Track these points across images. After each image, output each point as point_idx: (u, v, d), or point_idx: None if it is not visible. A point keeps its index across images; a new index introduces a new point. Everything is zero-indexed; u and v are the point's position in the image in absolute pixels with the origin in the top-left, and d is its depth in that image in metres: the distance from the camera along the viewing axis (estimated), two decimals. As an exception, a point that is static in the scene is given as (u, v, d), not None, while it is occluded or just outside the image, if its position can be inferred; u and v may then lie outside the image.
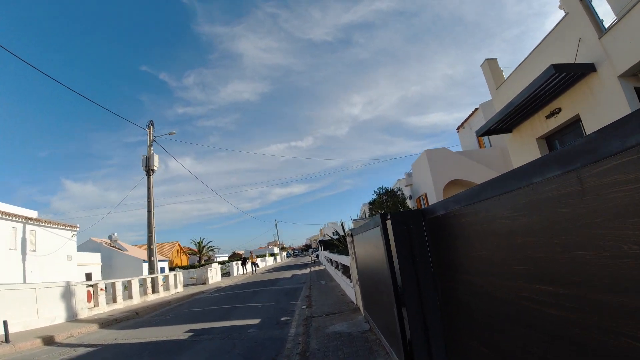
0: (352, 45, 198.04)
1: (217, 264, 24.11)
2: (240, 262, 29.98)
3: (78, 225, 24.88)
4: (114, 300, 12.62)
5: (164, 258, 46.12)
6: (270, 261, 48.89)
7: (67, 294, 10.81)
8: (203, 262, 51.53)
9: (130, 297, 13.50)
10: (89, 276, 33.52)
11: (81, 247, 38.53)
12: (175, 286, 16.69)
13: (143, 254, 43.28)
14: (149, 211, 17.02)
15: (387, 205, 17.50)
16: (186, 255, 60.34)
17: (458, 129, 23.86)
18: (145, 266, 39.76)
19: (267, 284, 17.04)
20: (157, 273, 16.22)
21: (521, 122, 9.68)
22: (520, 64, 9.63)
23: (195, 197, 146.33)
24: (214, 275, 21.96)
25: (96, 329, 9.62)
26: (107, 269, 37.55)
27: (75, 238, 24.70)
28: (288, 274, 22.72)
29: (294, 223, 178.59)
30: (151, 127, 18.23)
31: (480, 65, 11.64)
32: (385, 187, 20.00)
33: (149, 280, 14.77)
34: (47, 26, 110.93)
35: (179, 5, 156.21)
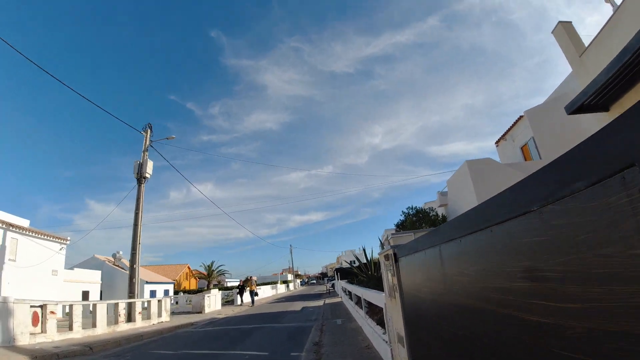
0: (372, 76, 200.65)
1: (217, 290, 21.13)
2: (237, 290, 25.01)
3: (68, 238, 22.77)
4: (70, 328, 9.85)
5: (170, 280, 43.46)
6: (282, 289, 45.21)
7: (3, 313, 8.20)
8: (212, 286, 48.56)
9: (94, 325, 10.70)
10: (85, 295, 31.09)
11: (83, 264, 36.57)
12: (159, 315, 13.81)
13: (147, 275, 40.78)
14: (136, 224, 14.56)
15: (420, 227, 14.29)
16: (195, 279, 57.59)
17: (497, 142, 20.65)
18: (148, 288, 37.23)
19: (270, 318, 13.87)
20: (137, 297, 13.46)
21: (626, 91, 6.60)
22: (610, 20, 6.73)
23: (214, 221, 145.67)
24: (213, 303, 18.92)
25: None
26: (108, 289, 35.16)
27: (64, 252, 22.49)
28: (298, 305, 19.38)
29: (310, 249, 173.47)
30: (148, 130, 16.20)
31: (552, 32, 8.81)
32: (415, 207, 16.85)
33: (122, 306, 11.97)
34: (81, 49, 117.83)
35: (208, 39, 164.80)
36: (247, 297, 22.73)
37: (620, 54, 5.75)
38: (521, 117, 18.16)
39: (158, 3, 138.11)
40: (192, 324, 13.74)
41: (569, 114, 7.60)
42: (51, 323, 9.28)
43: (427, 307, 2.65)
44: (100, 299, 34.09)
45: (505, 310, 1.36)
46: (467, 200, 14.86)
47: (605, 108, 7.36)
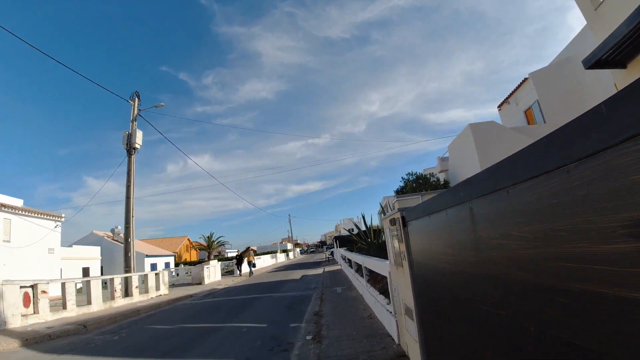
0: (369, 42, 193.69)
1: (216, 261, 21.13)
2: (235, 261, 24.86)
3: (63, 215, 22.33)
4: (64, 307, 9.62)
5: (170, 253, 43.83)
6: (282, 258, 45.89)
7: (-8, 296, 7.90)
8: (212, 257, 49.15)
9: (89, 302, 10.48)
10: (86, 271, 31.24)
11: (82, 241, 36.53)
12: (157, 288, 13.68)
13: (148, 248, 40.98)
14: (128, 197, 14.05)
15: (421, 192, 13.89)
16: (196, 251, 58.22)
17: (500, 105, 19.90)
18: (148, 262, 37.50)
19: (270, 287, 13.80)
20: (133, 271, 13.25)
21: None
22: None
23: (212, 193, 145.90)
24: (212, 274, 18.92)
25: (15, 347, 6.67)
26: (109, 264, 35.35)
27: (59, 229, 22.15)
28: (298, 274, 19.45)
29: (309, 218, 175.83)
30: (136, 99, 15.22)
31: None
32: (415, 173, 16.38)
33: (117, 282, 11.75)
34: (72, 25, 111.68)
35: (198, 6, 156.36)
36: (245, 267, 22.77)
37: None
38: (526, 79, 17.36)
39: None
40: (190, 295, 13.66)
41: (587, 68, 6.92)
42: (43, 303, 9.01)
43: (446, 279, 2.18)
44: (101, 274, 34.36)
45: (588, 286, 0.86)
46: (469, 165, 14.40)
47: (622, 65, 6.69)
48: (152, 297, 13.10)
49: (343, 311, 6.97)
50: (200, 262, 41.28)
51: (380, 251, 8.14)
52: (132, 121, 14.80)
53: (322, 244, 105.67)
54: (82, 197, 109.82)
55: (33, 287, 9.02)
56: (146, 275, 13.36)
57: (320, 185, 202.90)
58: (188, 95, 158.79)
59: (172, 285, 19.28)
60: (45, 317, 8.96)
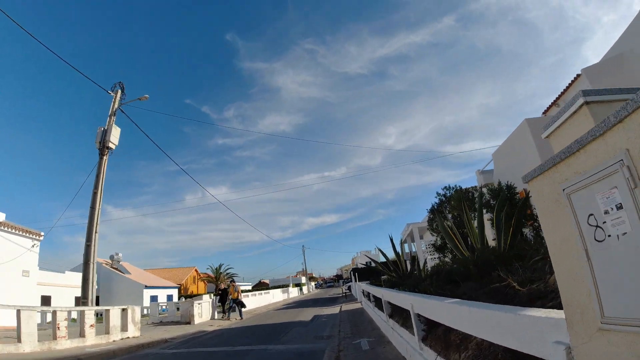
0: (387, 77, 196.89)
1: (208, 296, 17.63)
2: (216, 295, 18.35)
3: (42, 233, 19.82)
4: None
5: (173, 285, 40.55)
6: (294, 292, 41.75)
7: None
8: (219, 291, 45.53)
9: (19, 339, 7.50)
10: (79, 300, 28.44)
11: (78, 268, 34.00)
12: (124, 328, 10.49)
13: (149, 278, 37.89)
14: (93, 207, 11.36)
15: (469, 208, 10.59)
16: (204, 283, 54.58)
17: (546, 111, 16.74)
18: (148, 294, 34.30)
19: (269, 334, 10.43)
20: (91, 304, 10.25)
21: None
22: None
23: (228, 225, 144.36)
24: (205, 311, 15.57)
25: None
26: (106, 293, 32.36)
27: (37, 249, 19.56)
28: (309, 313, 15.86)
29: (325, 250, 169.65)
30: (119, 91, 12.99)
31: None
32: (452, 186, 13.09)
33: (62, 317, 8.74)
34: (98, 55, 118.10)
35: (223, 42, 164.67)
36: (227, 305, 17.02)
37: None
38: (577, 77, 14.39)
39: (173, 7, 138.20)
40: (166, 340, 10.40)
41: None
42: None
43: None
44: (97, 304, 31.41)
45: None
46: (524, 165, 11.06)
47: None
48: (113, 341, 9.92)
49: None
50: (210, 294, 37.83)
51: (416, 284, 4.93)
52: (110, 115, 12.42)
53: (338, 277, 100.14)
54: (99, 225, 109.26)
55: None
56: (107, 310, 10.25)
57: (336, 218, 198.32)
58: (209, 128, 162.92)
59: (158, 323, 16.04)
60: None
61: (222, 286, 17.46)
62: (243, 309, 16.51)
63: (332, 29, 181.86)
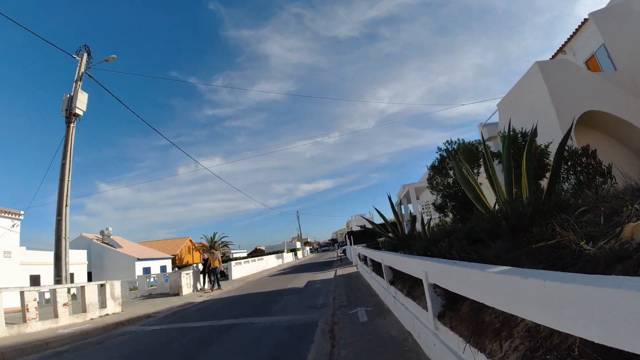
0: (378, 39, 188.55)
1: (195, 266, 16.88)
2: (198, 268, 16.54)
3: (22, 212, 18.67)
4: None
5: (167, 255, 40.18)
6: (289, 258, 41.87)
7: None
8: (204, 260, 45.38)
9: None
10: (70, 277, 27.87)
11: (70, 244, 33.10)
12: (102, 305, 9.72)
13: (141, 251, 37.29)
14: (62, 179, 10.16)
15: (475, 161, 9.63)
16: (199, 252, 54.60)
17: (553, 57, 15.45)
18: (140, 266, 33.81)
19: (259, 304, 9.77)
20: (66, 282, 9.39)
21: None
22: None
23: (223, 195, 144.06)
24: (193, 282, 14.92)
25: None
26: (98, 269, 31.84)
27: (18, 229, 18.51)
28: (303, 279, 15.35)
29: (319, 215, 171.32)
30: (84, 54, 11.34)
31: None
32: (457, 140, 12.02)
33: (30, 297, 7.86)
34: (82, 33, 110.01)
35: (206, 11, 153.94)
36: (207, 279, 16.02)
37: None
38: (585, 21, 13.10)
39: None
40: (149, 315, 9.67)
41: None
42: None
43: None
44: (89, 280, 30.86)
45: None
46: (536, 114, 10.04)
47: None
48: (91, 319, 9.15)
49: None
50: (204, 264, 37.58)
51: (426, 247, 4.01)
52: (76, 81, 10.94)
53: (333, 241, 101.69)
54: (95, 203, 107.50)
55: None
56: (82, 287, 9.38)
57: (331, 184, 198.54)
58: (198, 99, 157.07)
59: (147, 296, 15.43)
60: None
61: (206, 255, 16.50)
62: (223, 280, 15.74)
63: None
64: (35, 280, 21.63)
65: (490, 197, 4.60)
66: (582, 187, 5.29)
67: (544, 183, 7.23)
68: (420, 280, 3.48)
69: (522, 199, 3.78)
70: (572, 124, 5.05)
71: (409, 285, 4.72)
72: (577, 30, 13.60)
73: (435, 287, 3.07)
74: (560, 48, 15.02)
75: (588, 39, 12.99)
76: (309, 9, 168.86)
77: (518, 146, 7.36)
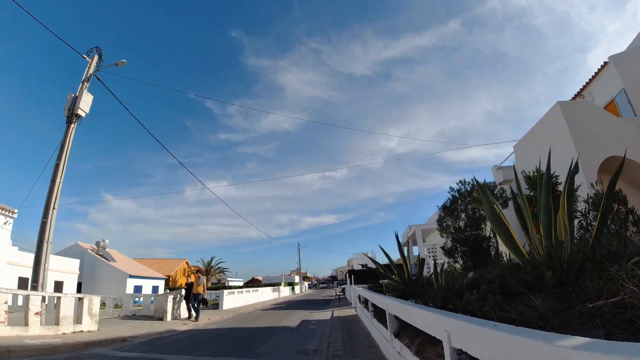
0: (391, 79, 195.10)
1: (181, 290, 15.70)
2: (181, 293, 14.39)
3: (16, 210, 18.29)
4: None
5: (161, 276, 38.93)
6: (285, 292, 40.10)
7: None
8: (209, 284, 43.88)
9: None
10: (59, 286, 26.71)
11: (64, 252, 32.30)
12: (77, 320, 8.89)
13: (135, 267, 36.20)
14: (53, 180, 9.74)
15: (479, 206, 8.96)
16: (194, 276, 52.82)
17: (573, 99, 15.24)
18: (132, 283, 32.65)
19: (244, 341, 8.84)
20: (42, 289, 8.68)
21: None
22: None
23: (227, 220, 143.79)
24: (180, 307, 13.96)
25: None
26: (89, 279, 30.79)
27: (10, 227, 18.03)
28: (298, 317, 14.24)
29: (320, 250, 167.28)
30: (95, 56, 11.45)
31: None
32: (470, 181, 11.44)
33: (0, 299, 7.19)
34: (107, 48, 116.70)
35: (228, 38, 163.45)
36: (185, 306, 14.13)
37: None
38: (604, 65, 12.93)
39: (180, 3, 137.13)
40: (124, 339, 8.79)
41: None
42: None
43: None
44: (79, 291, 29.73)
45: None
46: (556, 154, 9.52)
47: None
48: (63, 334, 8.32)
49: None
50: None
51: (445, 298, 3.32)
52: (83, 81, 10.88)
53: (332, 278, 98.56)
54: (99, 213, 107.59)
55: None
56: (59, 298, 8.63)
57: (335, 219, 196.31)
58: (212, 122, 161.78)
59: (130, 316, 14.45)
60: None
61: (192, 279, 14.22)
62: (202, 309, 13.97)
63: (338, 28, 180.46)
64: (24, 284, 20.86)
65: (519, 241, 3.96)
66: (615, 235, 4.61)
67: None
68: (437, 339, 2.78)
69: (565, 244, 3.14)
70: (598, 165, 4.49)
71: (419, 343, 3.95)
72: (596, 73, 13.37)
73: (460, 353, 2.37)
74: (578, 92, 14.74)
75: (607, 83, 12.76)
76: (327, 44, 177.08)
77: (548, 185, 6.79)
